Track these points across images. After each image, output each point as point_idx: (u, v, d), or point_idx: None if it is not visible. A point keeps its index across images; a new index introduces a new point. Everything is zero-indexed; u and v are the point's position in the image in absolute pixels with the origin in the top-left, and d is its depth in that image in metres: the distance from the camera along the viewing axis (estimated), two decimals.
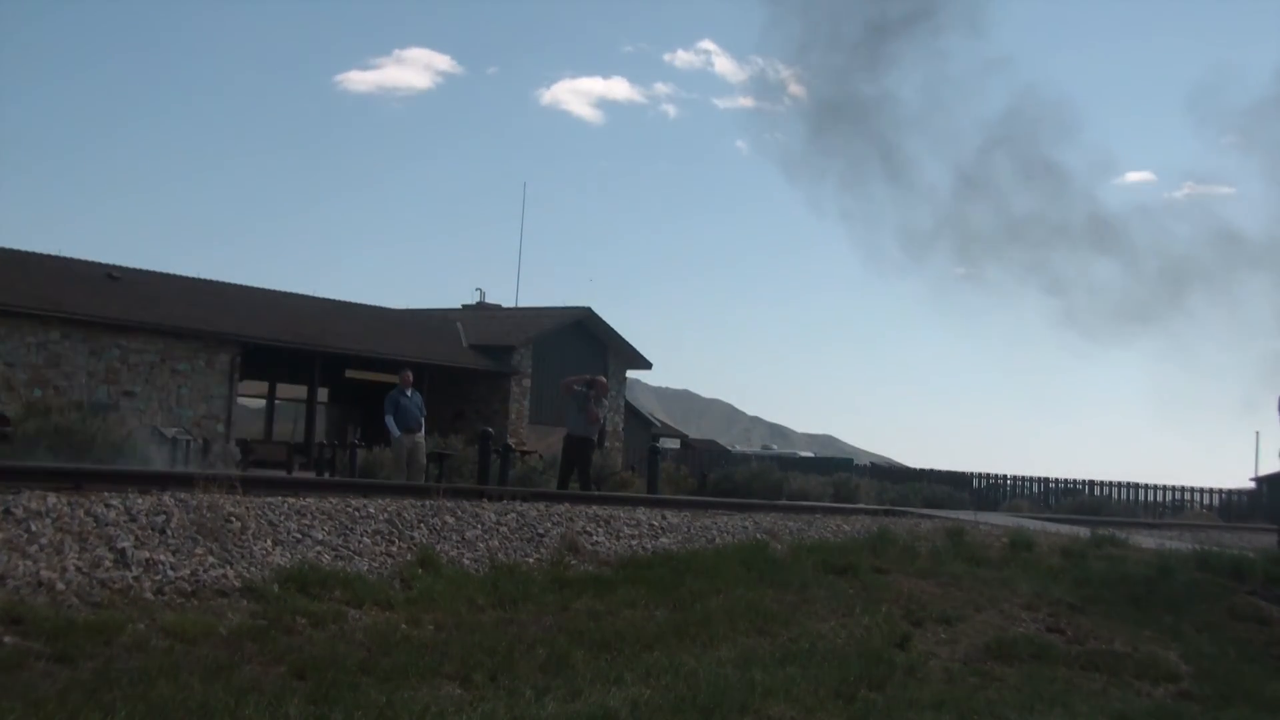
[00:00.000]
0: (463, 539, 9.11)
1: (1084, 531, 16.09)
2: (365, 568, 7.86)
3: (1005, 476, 37.15)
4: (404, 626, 6.69)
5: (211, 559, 7.18)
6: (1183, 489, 38.01)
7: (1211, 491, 38.19)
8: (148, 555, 6.90)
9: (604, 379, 17.44)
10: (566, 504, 11.19)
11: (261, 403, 31.17)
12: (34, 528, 6.78)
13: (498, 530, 9.55)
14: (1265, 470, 43.99)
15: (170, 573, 6.79)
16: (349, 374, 30.59)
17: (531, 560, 9.04)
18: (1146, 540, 16.68)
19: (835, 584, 9.81)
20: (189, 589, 6.69)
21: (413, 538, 8.76)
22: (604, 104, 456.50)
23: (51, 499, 7.27)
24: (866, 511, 16.20)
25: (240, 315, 27.59)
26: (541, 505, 10.75)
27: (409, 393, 16.94)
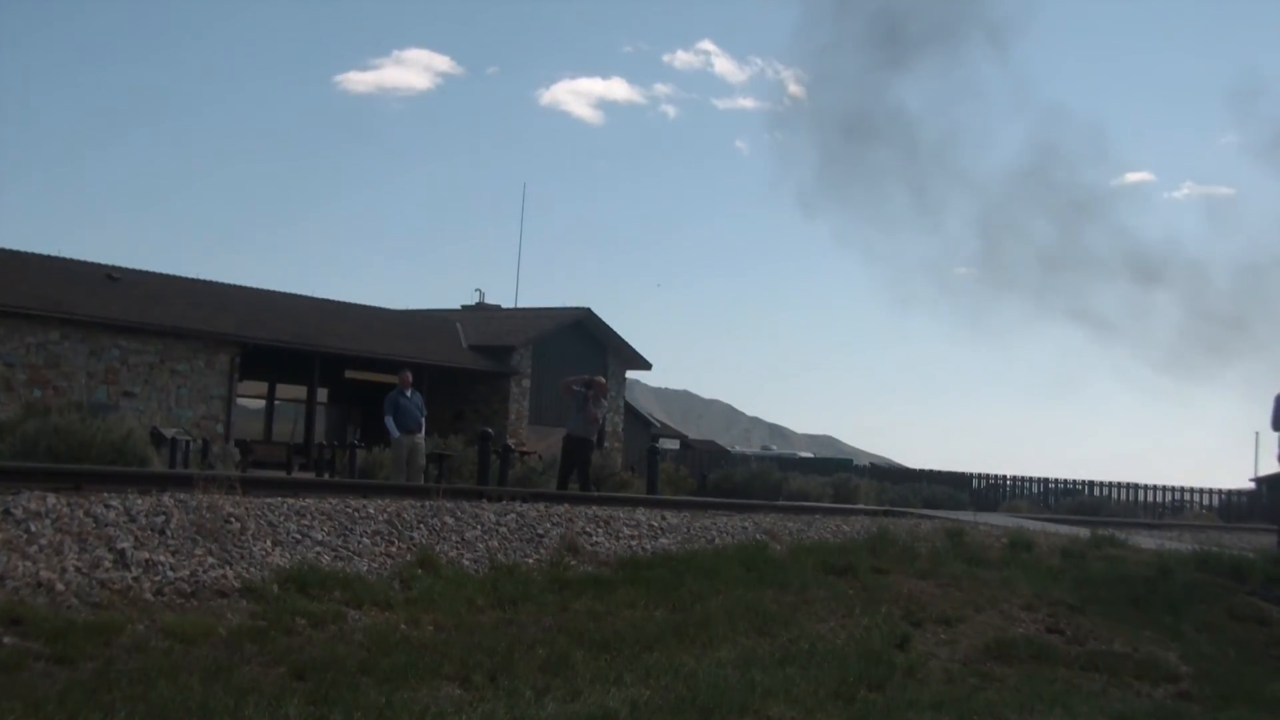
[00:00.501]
0: (462, 539, 9.11)
1: (1084, 532, 16.08)
2: (365, 568, 7.86)
3: (1005, 477, 37.18)
4: (404, 627, 6.69)
5: (211, 559, 7.18)
6: (1182, 489, 38.02)
7: (1211, 492, 38.20)
8: (147, 556, 6.90)
9: (602, 379, 17.40)
10: (566, 504, 11.19)
11: (261, 403, 31.14)
12: (34, 528, 6.78)
13: (497, 531, 9.55)
14: (1265, 470, 44.00)
15: (170, 573, 6.79)
16: (348, 374, 30.56)
17: (531, 561, 9.03)
18: (1146, 541, 16.67)
19: (835, 584, 9.81)
20: (189, 589, 6.69)
21: (412, 538, 8.76)
22: (604, 104, 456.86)
23: (51, 499, 7.27)
24: (866, 512, 16.18)
25: (240, 315, 27.57)
26: (541, 506, 10.75)
27: (408, 393, 16.93)
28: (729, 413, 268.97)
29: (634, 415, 40.01)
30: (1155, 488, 37.09)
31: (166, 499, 7.91)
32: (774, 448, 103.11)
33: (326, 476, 22.51)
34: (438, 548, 8.69)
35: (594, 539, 10.10)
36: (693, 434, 63.37)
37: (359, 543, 8.35)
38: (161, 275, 28.83)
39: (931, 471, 36.68)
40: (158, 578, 6.70)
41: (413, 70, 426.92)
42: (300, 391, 30.76)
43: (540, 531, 9.80)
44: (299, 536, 8.07)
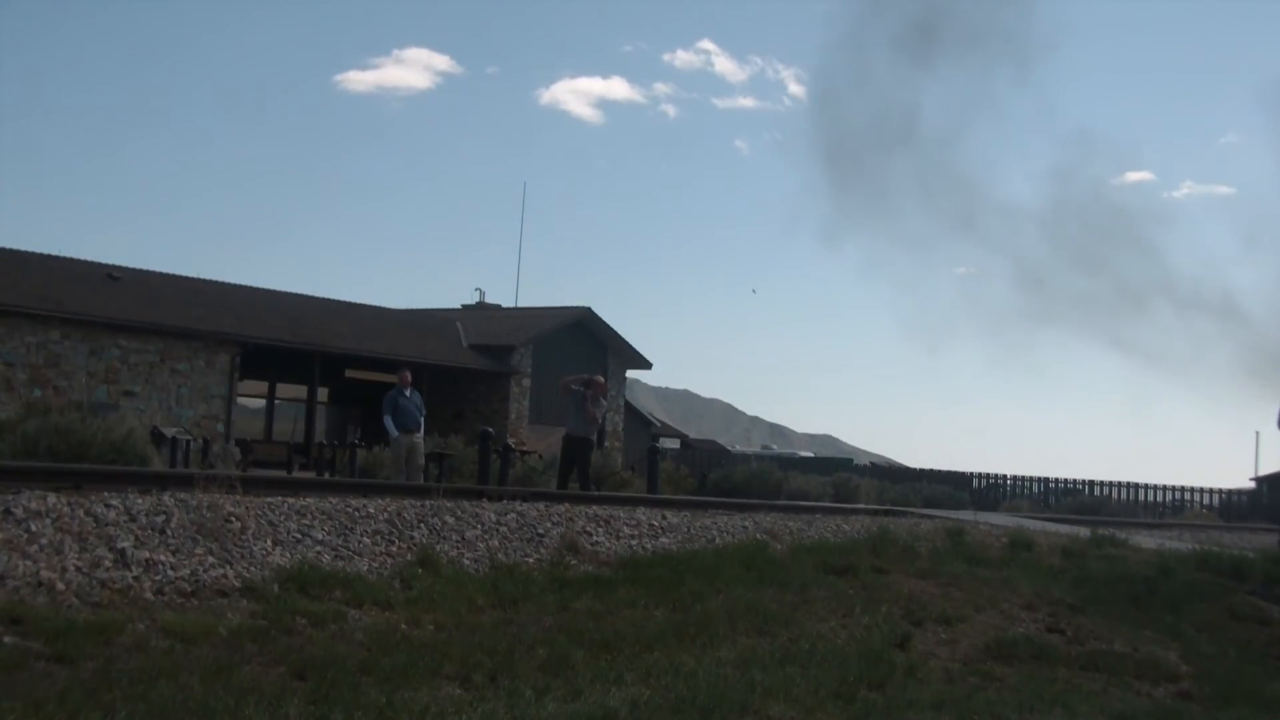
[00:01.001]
0: (463, 539, 9.11)
1: (1084, 531, 16.09)
2: (365, 568, 7.86)
3: (1005, 476, 37.14)
4: (404, 627, 6.69)
5: (211, 559, 7.18)
6: (1183, 489, 38.01)
7: (1211, 491, 38.19)
8: (148, 555, 6.90)
9: (601, 379, 17.35)
10: (566, 504, 11.19)
11: (261, 403, 31.15)
12: (34, 528, 6.78)
13: (498, 530, 9.55)
14: (1265, 470, 44.03)
15: (170, 573, 6.79)
16: (349, 374, 30.57)
17: (531, 560, 9.04)
18: (1146, 540, 16.68)
19: (835, 584, 9.81)
20: (189, 589, 6.69)
21: (412, 538, 8.76)
22: (604, 104, 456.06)
23: (51, 499, 7.27)
24: (866, 511, 16.19)
25: (240, 315, 27.57)
26: (541, 505, 10.75)
27: (408, 392, 16.93)
28: (729, 412, 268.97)
29: (634, 415, 40.02)
30: (1155, 487, 37.10)
31: (167, 498, 7.91)
32: (774, 447, 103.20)
33: (327, 476, 22.51)
34: (438, 547, 8.69)
35: (594, 538, 10.10)
36: (693, 433, 63.41)
37: (359, 542, 8.35)
38: (162, 275, 28.83)
39: (932, 471, 36.64)
40: (158, 577, 6.70)
41: (413, 70, 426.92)
42: (300, 391, 30.76)
43: (540, 531, 9.80)
44: (299, 536, 8.08)
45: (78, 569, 6.47)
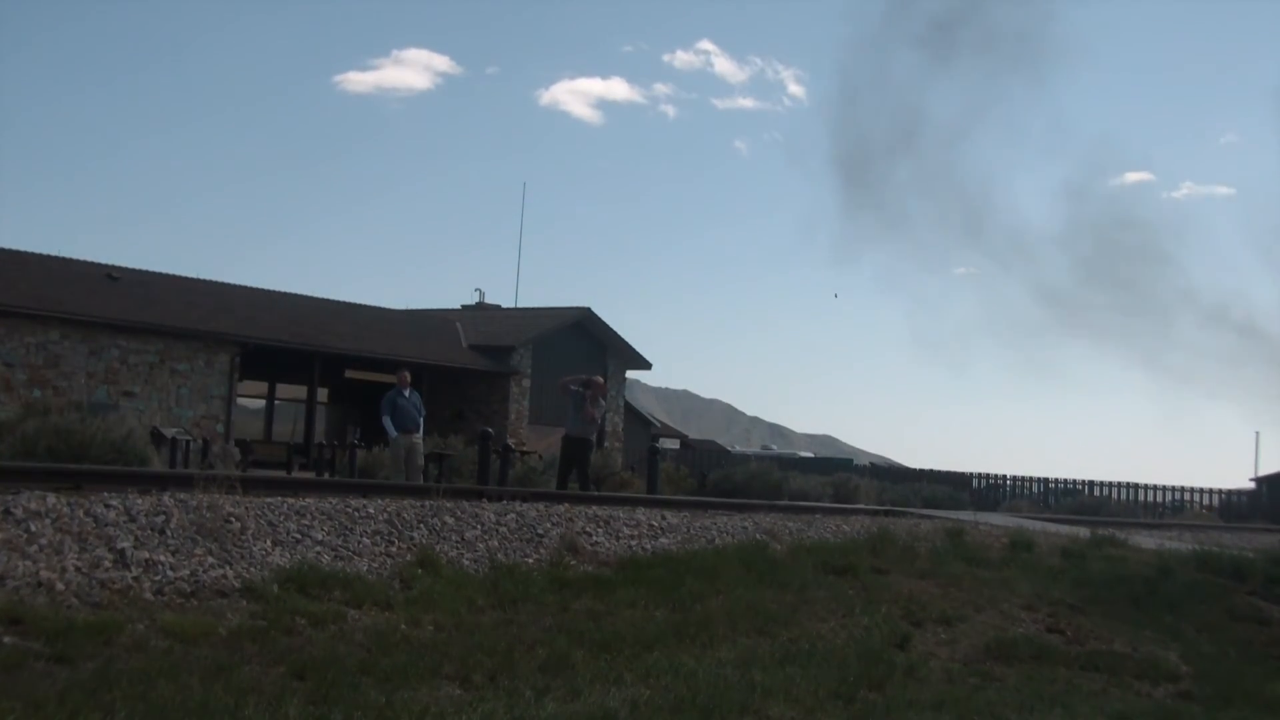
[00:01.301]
0: (462, 539, 9.11)
1: (1084, 532, 16.10)
2: (365, 568, 7.86)
3: (1005, 477, 37.16)
4: (404, 627, 6.69)
5: (211, 559, 7.18)
6: (1182, 489, 38.04)
7: (1211, 491, 38.22)
8: (147, 556, 6.90)
9: (600, 379, 17.33)
10: (566, 504, 11.19)
11: (261, 403, 31.16)
12: (34, 528, 6.78)
13: (497, 530, 9.55)
14: (1265, 470, 44.04)
15: (170, 573, 6.79)
16: (348, 374, 30.56)
17: (531, 560, 9.04)
18: (1146, 540, 16.69)
19: (835, 584, 9.81)
20: (189, 589, 6.69)
21: (412, 538, 8.76)
22: (603, 104, 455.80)
23: (51, 499, 7.27)
24: (866, 512, 16.19)
25: (240, 315, 27.57)
26: (541, 505, 10.75)
27: (407, 393, 16.92)
28: (729, 412, 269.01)
29: (634, 415, 40.02)
30: (1155, 487, 37.12)
31: (166, 499, 7.91)
32: (774, 447, 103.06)
33: (326, 476, 22.50)
34: (438, 547, 8.69)
35: (594, 539, 10.10)
36: (693, 434, 63.42)
37: (359, 542, 8.35)
38: (161, 275, 28.82)
39: (931, 471, 36.65)
40: (158, 577, 6.70)
41: (412, 70, 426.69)
42: (300, 391, 30.77)
43: (540, 531, 9.80)
44: (299, 536, 8.07)
45: (77, 569, 6.47)
